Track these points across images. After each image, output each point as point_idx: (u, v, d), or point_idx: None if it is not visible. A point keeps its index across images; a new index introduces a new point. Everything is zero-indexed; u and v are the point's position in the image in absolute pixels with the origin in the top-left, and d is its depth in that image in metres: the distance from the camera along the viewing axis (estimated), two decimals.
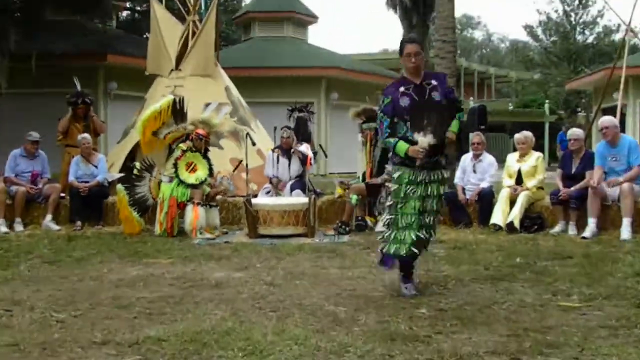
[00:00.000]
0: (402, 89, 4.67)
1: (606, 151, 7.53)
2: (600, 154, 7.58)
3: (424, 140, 4.50)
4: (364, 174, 8.35)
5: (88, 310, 4.34)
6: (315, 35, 73.96)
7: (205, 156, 8.12)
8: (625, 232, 7.05)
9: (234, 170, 9.20)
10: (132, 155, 10.13)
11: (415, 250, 4.66)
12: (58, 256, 6.47)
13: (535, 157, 8.13)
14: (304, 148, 9.12)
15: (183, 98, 8.33)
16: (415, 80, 4.69)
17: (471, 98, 33.80)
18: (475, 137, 8.60)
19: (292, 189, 8.81)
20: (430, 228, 4.74)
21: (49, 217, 8.55)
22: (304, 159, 8.97)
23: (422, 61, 4.70)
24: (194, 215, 7.74)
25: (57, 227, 8.41)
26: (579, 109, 36.89)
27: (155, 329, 3.82)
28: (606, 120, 7.68)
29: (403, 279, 4.77)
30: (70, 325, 4.00)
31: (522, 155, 8.12)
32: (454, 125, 4.68)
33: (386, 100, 4.68)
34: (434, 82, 4.69)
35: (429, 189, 4.63)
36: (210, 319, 4.04)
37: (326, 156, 11.13)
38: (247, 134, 9.00)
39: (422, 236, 4.66)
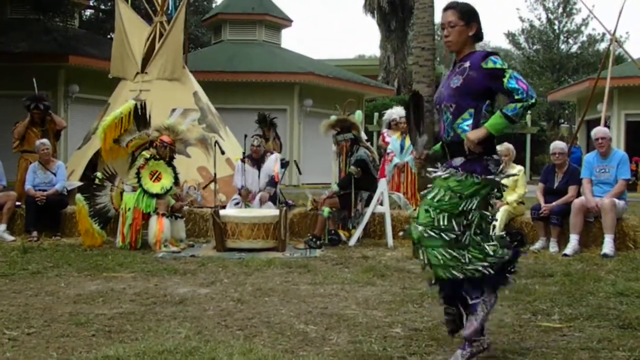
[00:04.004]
0: (447, 72, 3.67)
1: (596, 162, 7.50)
2: (588, 165, 7.54)
3: (419, 141, 3.66)
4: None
5: (43, 328, 4.18)
6: (289, 39, 74.06)
7: (170, 164, 7.88)
8: (607, 249, 6.99)
9: (204, 187, 8.88)
10: (93, 163, 9.90)
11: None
12: (12, 269, 6.25)
13: (516, 171, 7.96)
14: (274, 158, 8.82)
15: (145, 103, 8.19)
16: (456, 59, 3.62)
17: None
18: None
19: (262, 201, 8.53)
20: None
21: (3, 227, 8.33)
22: (271, 178, 8.72)
23: (459, 34, 3.50)
24: (159, 226, 7.51)
25: (11, 238, 8.19)
26: (562, 121, 37.17)
27: (115, 348, 3.68)
28: (601, 131, 7.63)
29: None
30: (24, 343, 3.85)
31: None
32: (491, 121, 3.42)
33: None
34: (466, 64, 3.49)
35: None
36: (174, 338, 3.91)
37: (300, 172, 10.82)
38: (216, 142, 8.79)
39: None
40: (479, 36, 3.54)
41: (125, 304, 4.85)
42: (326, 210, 7.80)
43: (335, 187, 7.97)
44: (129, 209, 7.57)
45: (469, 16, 3.50)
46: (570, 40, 38.21)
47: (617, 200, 7.23)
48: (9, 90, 13.89)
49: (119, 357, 3.52)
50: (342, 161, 8.15)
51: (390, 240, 7.84)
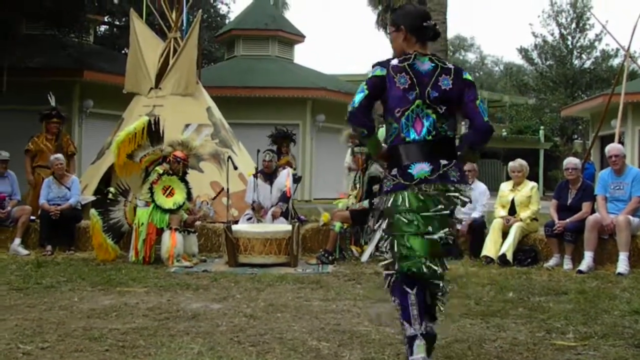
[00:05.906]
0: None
1: (610, 179, 7.45)
2: (603, 182, 7.49)
3: None
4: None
5: (57, 342, 4.18)
6: (302, 55, 74.31)
7: (183, 180, 7.90)
8: (622, 266, 6.92)
9: (213, 198, 8.90)
10: (107, 178, 9.88)
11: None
12: (26, 283, 6.27)
13: (529, 187, 7.95)
14: (286, 173, 8.83)
15: (158, 118, 8.17)
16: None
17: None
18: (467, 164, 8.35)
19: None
20: None
21: (17, 241, 8.33)
22: (283, 194, 8.70)
23: (394, 40, 3.55)
24: (172, 241, 7.50)
25: (25, 252, 8.19)
26: (576, 136, 36.88)
27: None
28: (615, 148, 7.58)
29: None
30: (38, 357, 3.86)
31: (516, 185, 7.93)
32: None
33: None
34: None
35: None
36: (186, 353, 3.91)
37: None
38: (229, 157, 8.78)
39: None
40: (419, 36, 3.46)
41: (138, 318, 4.84)
42: (338, 225, 7.78)
43: (365, 203, 7.90)
44: (142, 223, 7.57)
45: (396, 20, 3.51)
46: (584, 56, 38.00)
47: (631, 218, 7.17)
48: (25, 105, 13.95)
49: None
50: (358, 175, 8.12)
51: None
